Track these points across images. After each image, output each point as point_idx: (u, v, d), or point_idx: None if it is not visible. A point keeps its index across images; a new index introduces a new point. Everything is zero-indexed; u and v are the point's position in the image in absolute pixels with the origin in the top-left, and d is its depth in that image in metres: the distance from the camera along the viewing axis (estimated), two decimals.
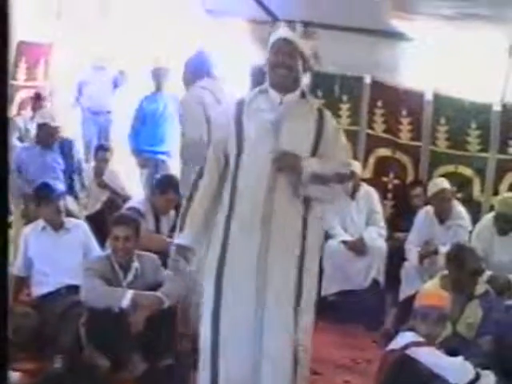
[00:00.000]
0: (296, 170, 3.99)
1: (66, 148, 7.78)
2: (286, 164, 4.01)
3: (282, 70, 4.02)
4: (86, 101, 10.16)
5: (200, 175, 4.26)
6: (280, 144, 4.03)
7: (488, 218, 6.71)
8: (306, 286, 4.09)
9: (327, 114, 4.25)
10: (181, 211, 4.45)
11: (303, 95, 4.18)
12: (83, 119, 10.19)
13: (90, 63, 10.17)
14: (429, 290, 4.92)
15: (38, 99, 9.70)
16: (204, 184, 4.20)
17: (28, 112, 9.87)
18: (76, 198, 7.65)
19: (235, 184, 4.09)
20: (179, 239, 4.31)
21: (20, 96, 10.14)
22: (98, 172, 8.36)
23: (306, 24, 5.17)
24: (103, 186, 8.23)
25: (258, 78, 7.69)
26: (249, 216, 4.04)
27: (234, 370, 4.03)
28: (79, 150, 8.48)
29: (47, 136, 7.61)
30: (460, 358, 4.22)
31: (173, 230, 6.72)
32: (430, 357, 4.17)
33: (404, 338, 4.33)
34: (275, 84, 4.08)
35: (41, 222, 5.85)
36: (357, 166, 7.28)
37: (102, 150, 8.58)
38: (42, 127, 7.65)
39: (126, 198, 7.76)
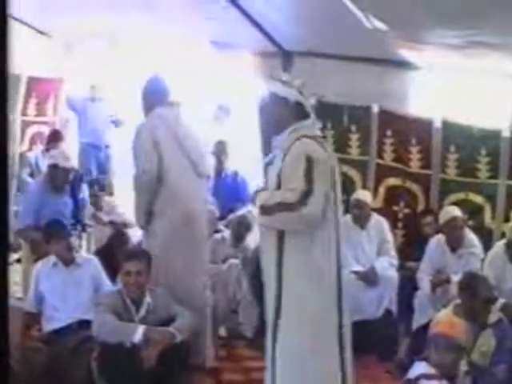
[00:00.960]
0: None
1: (76, 185, 7.74)
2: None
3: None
4: (84, 135, 10.20)
5: None
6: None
7: (499, 245, 6.67)
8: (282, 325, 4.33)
9: (297, 142, 4.37)
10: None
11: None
12: (80, 152, 10.20)
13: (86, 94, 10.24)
14: (441, 318, 4.90)
15: (53, 136, 9.67)
16: None
17: (39, 147, 9.91)
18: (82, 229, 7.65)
19: None
20: None
21: (31, 131, 10.21)
22: (94, 205, 8.33)
23: (314, 54, 5.20)
24: (100, 221, 8.18)
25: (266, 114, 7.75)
26: None
27: None
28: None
29: (58, 178, 7.28)
30: None
31: None
32: None
33: (417, 368, 4.31)
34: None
35: (52, 258, 5.86)
36: (367, 196, 7.29)
37: (97, 185, 8.60)
38: (54, 168, 7.30)
39: (127, 225, 7.73)
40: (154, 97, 5.89)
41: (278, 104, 4.46)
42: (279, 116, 4.47)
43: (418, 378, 4.21)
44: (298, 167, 4.26)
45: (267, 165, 4.40)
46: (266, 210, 4.31)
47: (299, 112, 4.45)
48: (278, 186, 4.32)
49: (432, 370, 4.21)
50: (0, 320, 1.48)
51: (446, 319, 4.81)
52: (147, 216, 5.72)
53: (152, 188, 5.62)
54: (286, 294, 4.30)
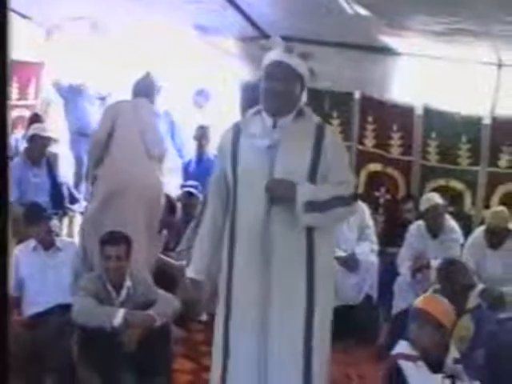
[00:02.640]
0: (289, 199, 3.77)
1: (54, 168, 7.75)
2: (278, 193, 3.81)
3: (273, 98, 3.84)
4: (73, 123, 10.13)
5: (204, 204, 4.16)
6: (275, 170, 3.83)
7: (479, 231, 6.71)
8: (316, 323, 3.92)
9: (328, 130, 4.02)
10: (186, 237, 4.41)
11: (300, 113, 3.95)
12: (71, 141, 10.14)
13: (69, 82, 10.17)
14: (425, 295, 4.91)
15: (34, 119, 9.65)
16: (208, 213, 4.08)
17: (20, 131, 9.84)
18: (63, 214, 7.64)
19: (234, 216, 3.95)
20: (188, 272, 4.14)
21: (13, 115, 10.13)
22: None
23: (292, 40, 5.12)
24: None
25: (248, 94, 7.74)
26: (247, 251, 3.89)
27: None
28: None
29: (37, 148, 7.63)
30: (440, 377, 4.18)
31: (166, 248, 6.76)
32: (412, 373, 4.14)
33: (399, 346, 4.33)
34: (269, 109, 3.89)
35: (32, 242, 5.84)
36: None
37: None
38: (32, 138, 7.71)
39: None
40: (140, 90, 6.53)
41: (292, 80, 3.88)
42: (291, 94, 3.90)
43: (396, 356, 4.24)
44: (345, 157, 4.10)
45: (269, 148, 3.84)
46: (317, 206, 3.78)
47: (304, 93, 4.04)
48: (312, 175, 3.87)
49: (412, 352, 4.23)
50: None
51: (429, 296, 4.84)
52: (93, 178, 6.25)
53: (97, 154, 6.28)
54: (319, 294, 3.93)
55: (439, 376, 4.17)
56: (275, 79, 3.84)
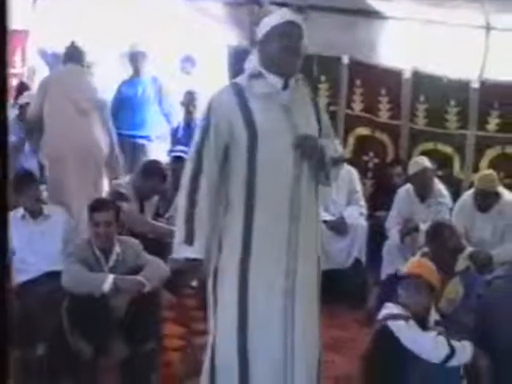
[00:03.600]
0: (318, 153, 3.83)
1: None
2: (309, 148, 3.81)
3: (291, 55, 3.79)
4: None
5: (198, 169, 3.82)
6: (296, 128, 3.82)
7: (468, 194, 6.73)
8: (319, 274, 4.00)
9: (314, 96, 4.16)
10: (181, 210, 4.02)
11: (298, 77, 3.96)
12: None
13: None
14: (412, 259, 4.94)
15: (21, 88, 9.60)
16: (207, 181, 3.79)
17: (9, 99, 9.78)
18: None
19: (252, 176, 3.78)
20: (189, 252, 3.78)
21: None
22: None
23: (279, 4, 5.07)
24: None
25: (236, 59, 7.70)
26: (275, 207, 3.78)
27: (264, 370, 3.80)
28: None
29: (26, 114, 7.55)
30: (434, 334, 4.22)
31: (157, 214, 6.75)
32: (404, 332, 4.18)
33: (385, 309, 4.36)
34: (284, 68, 3.82)
35: (20, 211, 5.81)
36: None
37: None
38: (24, 107, 7.77)
39: None
40: (67, 57, 7.33)
41: (302, 40, 3.86)
42: (301, 54, 3.86)
43: (385, 318, 4.26)
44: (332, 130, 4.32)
45: (285, 107, 3.80)
46: (336, 162, 3.99)
47: None
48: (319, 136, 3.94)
49: (399, 310, 4.26)
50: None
51: (415, 260, 4.87)
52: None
53: (35, 126, 7.08)
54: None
55: (433, 333, 4.22)
56: (291, 36, 3.79)
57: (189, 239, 3.78)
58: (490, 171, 6.78)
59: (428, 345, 4.16)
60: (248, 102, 3.81)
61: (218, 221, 3.88)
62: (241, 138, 3.79)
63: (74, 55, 7.24)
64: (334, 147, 4.02)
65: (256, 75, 3.87)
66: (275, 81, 3.84)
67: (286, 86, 3.85)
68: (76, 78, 7.19)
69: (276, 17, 3.84)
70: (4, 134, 1.45)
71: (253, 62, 3.95)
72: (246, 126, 3.78)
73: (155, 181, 6.52)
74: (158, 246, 5.78)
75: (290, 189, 3.79)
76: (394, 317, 4.24)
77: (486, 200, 6.49)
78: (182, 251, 3.82)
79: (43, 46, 10.09)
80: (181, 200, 3.86)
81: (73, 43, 7.27)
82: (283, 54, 3.79)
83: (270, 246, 3.79)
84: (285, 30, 3.79)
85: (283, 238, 3.78)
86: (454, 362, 4.15)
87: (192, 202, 3.79)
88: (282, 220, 3.78)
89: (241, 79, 3.95)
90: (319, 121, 3.99)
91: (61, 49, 9.73)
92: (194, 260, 3.79)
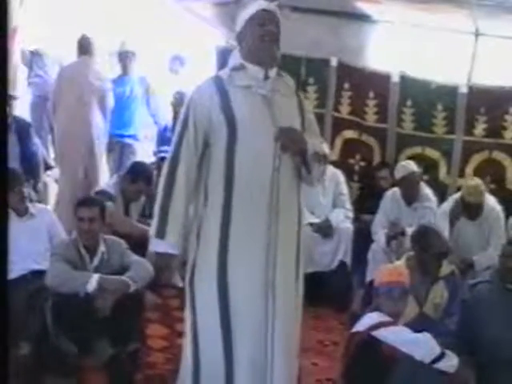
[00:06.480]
0: (299, 145, 3.79)
1: (23, 130, 7.58)
2: (290, 140, 3.77)
3: (268, 42, 3.80)
4: (36, 87, 9.99)
5: (175, 162, 3.78)
6: (278, 120, 3.78)
7: (454, 198, 6.75)
8: (301, 267, 3.96)
9: (300, 93, 4.14)
10: (157, 203, 3.96)
11: (279, 70, 3.93)
12: (32, 104, 9.97)
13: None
14: (388, 267, 4.96)
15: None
16: (184, 174, 3.76)
17: None
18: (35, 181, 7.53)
19: (231, 168, 3.74)
20: (160, 246, 3.80)
21: None
22: None
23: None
24: None
25: (224, 59, 7.69)
26: (254, 200, 3.74)
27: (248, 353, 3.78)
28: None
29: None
30: (426, 334, 4.25)
31: (143, 215, 6.74)
32: (398, 335, 4.20)
33: (369, 319, 4.35)
34: (264, 56, 3.82)
35: None
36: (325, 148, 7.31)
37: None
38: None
39: None
40: (80, 49, 8.01)
41: (279, 27, 3.91)
42: (279, 40, 3.90)
43: (371, 328, 4.26)
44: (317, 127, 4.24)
45: (265, 98, 3.77)
46: (318, 158, 3.91)
47: None
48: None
49: (387, 318, 4.27)
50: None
51: (393, 268, 4.91)
52: None
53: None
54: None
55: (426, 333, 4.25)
56: (267, 24, 3.82)
57: (160, 233, 3.77)
58: (477, 182, 6.68)
59: (421, 345, 4.18)
60: (228, 94, 3.79)
61: (197, 214, 3.86)
62: (220, 130, 3.77)
63: (84, 47, 7.97)
64: (319, 144, 3.98)
65: (237, 67, 3.88)
66: (256, 71, 3.84)
67: (266, 77, 3.84)
68: (80, 70, 7.96)
69: (251, 8, 3.87)
70: (4, 134, 1.45)
71: (236, 56, 3.96)
72: (225, 117, 3.76)
73: (141, 184, 6.55)
74: (143, 247, 5.78)
75: (270, 181, 3.74)
76: (385, 324, 4.25)
77: (473, 211, 6.52)
78: (153, 245, 3.86)
79: (27, 45, 10.04)
80: (158, 193, 3.84)
81: (83, 35, 7.95)
82: (261, 41, 3.81)
83: (249, 238, 3.76)
84: (260, 18, 3.83)
85: (262, 231, 3.74)
86: (441, 365, 4.16)
87: (168, 196, 3.77)
88: (261, 212, 3.74)
89: (223, 72, 3.96)
90: (302, 115, 3.96)
91: (45, 48, 9.77)
92: (166, 254, 3.80)
